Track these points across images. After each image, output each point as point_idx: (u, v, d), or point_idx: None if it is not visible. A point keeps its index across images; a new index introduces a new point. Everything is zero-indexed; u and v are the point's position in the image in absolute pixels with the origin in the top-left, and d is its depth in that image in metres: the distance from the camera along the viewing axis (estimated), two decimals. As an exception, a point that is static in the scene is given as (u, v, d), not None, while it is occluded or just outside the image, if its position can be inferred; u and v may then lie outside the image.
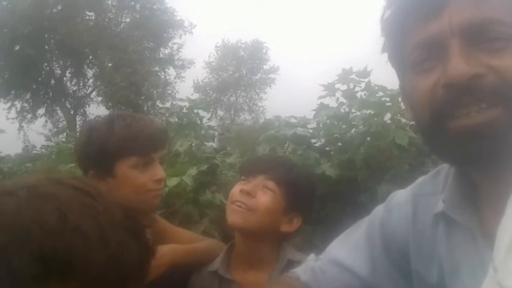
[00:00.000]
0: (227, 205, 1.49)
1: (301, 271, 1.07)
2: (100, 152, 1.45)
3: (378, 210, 1.04)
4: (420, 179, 1.00)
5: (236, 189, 1.47)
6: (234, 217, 1.43)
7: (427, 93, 0.78)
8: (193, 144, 2.85)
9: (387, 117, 2.32)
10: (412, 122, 2.20)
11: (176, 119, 3.22)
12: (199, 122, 3.19)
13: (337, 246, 1.08)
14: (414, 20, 0.79)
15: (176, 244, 1.58)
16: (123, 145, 1.45)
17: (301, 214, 1.49)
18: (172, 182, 2.08)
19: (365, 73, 2.42)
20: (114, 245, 0.71)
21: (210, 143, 3.11)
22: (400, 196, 1.00)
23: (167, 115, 3.25)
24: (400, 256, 0.96)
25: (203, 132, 3.11)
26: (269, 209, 1.43)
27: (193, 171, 2.15)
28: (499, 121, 0.72)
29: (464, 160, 0.79)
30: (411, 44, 0.80)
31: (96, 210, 0.73)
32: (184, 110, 3.18)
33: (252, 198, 1.42)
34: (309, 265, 1.09)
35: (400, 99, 2.27)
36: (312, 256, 1.13)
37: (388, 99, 2.29)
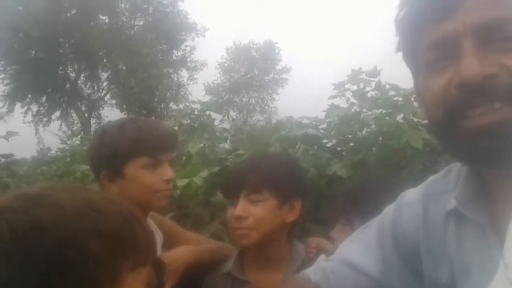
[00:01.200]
0: (229, 231, 1.51)
1: (311, 272, 1.07)
2: (112, 154, 1.51)
3: (389, 210, 1.04)
4: (431, 178, 1.00)
5: (229, 216, 1.47)
6: (242, 241, 1.45)
7: (440, 93, 0.78)
8: (206, 146, 2.86)
9: (400, 116, 2.30)
10: (425, 121, 2.19)
11: (189, 121, 3.24)
12: (211, 124, 3.20)
13: (348, 246, 1.08)
14: (428, 20, 0.79)
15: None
16: (133, 146, 1.51)
17: (297, 195, 1.50)
18: (182, 182, 2.09)
19: (375, 73, 2.41)
20: (145, 225, 0.78)
21: (222, 144, 3.12)
22: (411, 195, 1.00)
23: (179, 117, 3.27)
24: (411, 256, 0.96)
25: (217, 134, 3.12)
26: (267, 217, 1.43)
27: (204, 173, 2.16)
28: (509, 121, 0.72)
29: (476, 159, 0.79)
30: (425, 44, 0.81)
31: (116, 199, 0.79)
32: (196, 112, 3.20)
33: (246, 219, 1.42)
34: (319, 266, 1.09)
35: (413, 98, 2.27)
36: (322, 256, 1.13)
37: (401, 98, 2.27)
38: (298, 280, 1.08)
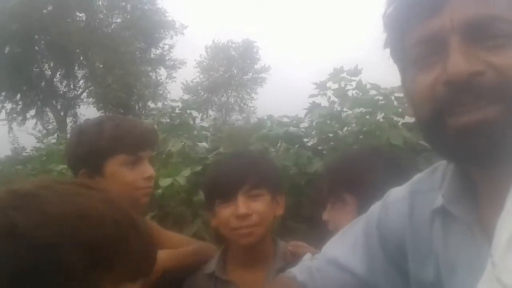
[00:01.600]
0: (226, 232, 1.46)
1: (297, 271, 1.07)
2: (91, 152, 1.50)
3: (375, 208, 1.04)
4: (417, 176, 1.00)
5: (229, 216, 1.42)
6: (247, 240, 1.42)
7: (427, 90, 0.78)
8: (186, 145, 2.84)
9: (380, 115, 2.32)
10: (405, 120, 2.20)
11: (168, 120, 3.21)
12: (192, 122, 3.19)
13: (334, 245, 1.08)
14: (416, 16, 0.79)
15: (167, 249, 1.59)
16: (112, 143, 1.50)
17: (281, 190, 1.53)
18: (165, 182, 2.07)
19: (356, 72, 2.42)
20: (144, 234, 0.76)
21: (203, 144, 3.10)
22: (397, 193, 1.00)
23: (159, 116, 3.24)
24: (398, 254, 0.96)
25: (195, 132, 3.11)
26: (267, 211, 1.45)
27: (186, 172, 2.14)
28: (499, 119, 0.72)
29: (463, 157, 0.79)
30: (413, 40, 0.80)
31: (118, 204, 0.76)
32: (177, 111, 3.18)
33: (251, 216, 1.41)
34: (305, 265, 1.08)
35: (393, 98, 2.29)
36: (308, 255, 1.13)
37: (381, 97, 2.29)
38: (285, 279, 1.07)
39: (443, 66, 0.75)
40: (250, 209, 1.41)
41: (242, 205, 1.41)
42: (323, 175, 1.65)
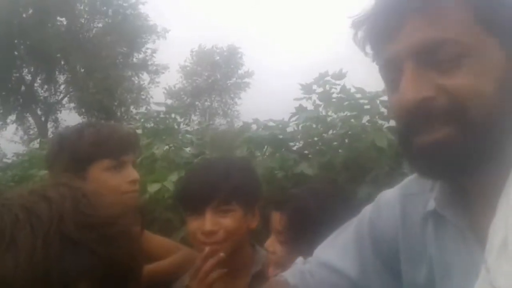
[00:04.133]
0: (194, 243, 1.43)
1: (289, 275, 1.06)
2: (72, 159, 1.49)
3: (367, 210, 1.04)
4: (408, 178, 1.01)
5: (195, 230, 1.39)
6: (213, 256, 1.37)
7: (395, 111, 0.82)
8: (171, 149, 2.81)
9: (365, 119, 2.33)
10: (390, 124, 2.20)
11: (152, 125, 3.19)
12: (176, 127, 3.16)
13: (326, 248, 1.08)
14: (378, 41, 0.82)
15: (154, 254, 1.58)
16: (93, 149, 1.50)
17: (257, 201, 1.48)
18: (153, 188, 2.05)
19: (340, 75, 2.43)
20: (41, 260, 0.67)
21: (188, 148, 3.08)
22: (389, 196, 1.01)
23: (142, 120, 3.21)
24: (390, 257, 0.96)
25: (180, 137, 3.08)
26: (237, 228, 1.40)
27: (173, 176, 2.12)
28: (451, 138, 0.75)
29: (426, 173, 0.83)
30: (380, 63, 0.84)
31: (40, 219, 0.70)
32: (162, 115, 3.15)
33: (217, 233, 1.37)
34: (297, 268, 1.08)
35: (378, 101, 2.30)
36: (300, 259, 1.12)
37: (366, 101, 2.30)
38: (276, 284, 1.06)
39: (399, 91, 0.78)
40: (218, 225, 1.36)
41: (208, 221, 1.36)
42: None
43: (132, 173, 1.54)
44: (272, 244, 1.40)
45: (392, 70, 0.80)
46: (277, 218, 1.40)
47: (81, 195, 0.76)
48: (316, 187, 1.53)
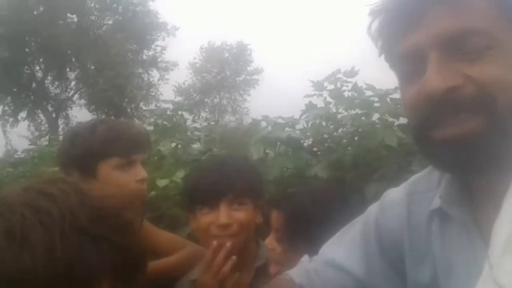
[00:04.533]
0: (204, 237, 1.43)
1: (295, 273, 1.06)
2: (83, 155, 1.50)
3: (372, 209, 1.04)
4: (414, 177, 1.00)
5: (209, 224, 1.39)
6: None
7: (412, 104, 0.80)
8: (179, 146, 2.82)
9: (375, 117, 2.31)
10: (400, 122, 2.18)
11: (163, 122, 3.19)
12: (184, 124, 3.17)
13: (331, 246, 1.08)
14: (397, 32, 0.80)
15: (160, 249, 1.61)
16: (105, 146, 1.51)
17: (262, 198, 1.50)
18: (162, 183, 2.06)
19: (352, 73, 2.41)
20: (62, 255, 0.68)
21: (196, 145, 3.09)
22: (394, 195, 1.00)
23: (155, 117, 3.22)
24: (396, 255, 0.96)
25: (188, 134, 3.09)
26: (249, 221, 1.42)
27: (180, 173, 2.13)
28: (479, 131, 0.73)
29: (448, 168, 0.81)
30: (397, 54, 0.82)
31: (51, 216, 0.70)
32: (169, 112, 3.16)
33: (231, 226, 1.39)
34: (303, 267, 1.08)
35: (388, 99, 2.29)
36: (306, 257, 1.12)
37: (376, 99, 2.28)
38: (282, 282, 1.06)
39: (422, 81, 0.76)
40: (232, 218, 1.38)
41: (224, 214, 1.38)
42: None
43: (141, 172, 1.55)
44: (271, 242, 1.43)
45: (411, 60, 0.79)
46: (275, 216, 1.43)
47: (80, 189, 0.77)
48: (315, 187, 1.55)
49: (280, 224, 1.40)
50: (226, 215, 1.38)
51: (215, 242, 1.33)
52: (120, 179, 1.51)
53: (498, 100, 0.72)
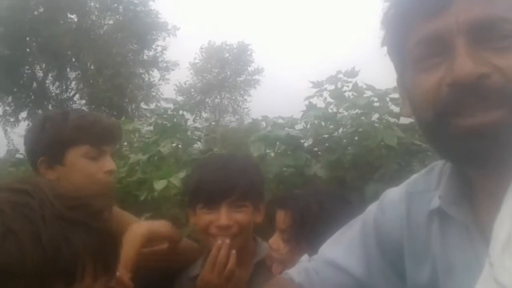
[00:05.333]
0: (203, 235, 1.46)
1: (294, 272, 1.07)
2: (53, 140, 1.49)
3: (372, 209, 1.04)
4: (413, 177, 1.00)
5: (208, 223, 1.41)
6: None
7: (430, 91, 0.77)
8: (179, 146, 2.81)
9: (375, 116, 2.31)
10: (400, 122, 2.18)
11: (163, 122, 3.19)
12: (184, 124, 3.17)
13: (331, 246, 1.08)
14: (420, 16, 0.78)
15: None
16: (76, 133, 1.50)
17: (263, 198, 1.52)
18: (160, 185, 2.06)
19: (353, 73, 2.41)
20: (48, 240, 0.71)
21: (196, 145, 3.09)
22: (394, 194, 1.00)
23: (155, 116, 3.21)
24: (395, 255, 0.96)
25: (189, 133, 3.09)
26: (249, 223, 1.44)
27: (181, 173, 2.13)
28: (503, 122, 0.71)
29: (465, 159, 0.79)
30: (415, 40, 0.79)
31: (30, 207, 0.74)
32: (170, 112, 3.15)
33: (231, 227, 1.40)
34: (302, 266, 1.08)
35: (388, 99, 2.29)
36: (305, 256, 1.12)
37: (376, 99, 2.28)
38: (282, 281, 1.07)
39: (448, 68, 0.74)
40: (232, 220, 1.39)
41: (224, 216, 1.39)
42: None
43: (109, 163, 1.54)
44: (276, 242, 1.43)
45: (433, 47, 0.77)
46: (281, 216, 1.43)
47: (50, 182, 0.84)
48: (321, 188, 1.55)
49: (287, 224, 1.40)
50: (227, 217, 1.39)
51: (219, 241, 1.34)
52: (87, 168, 1.49)
53: None
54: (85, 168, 1.49)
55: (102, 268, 0.77)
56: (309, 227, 1.34)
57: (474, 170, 0.82)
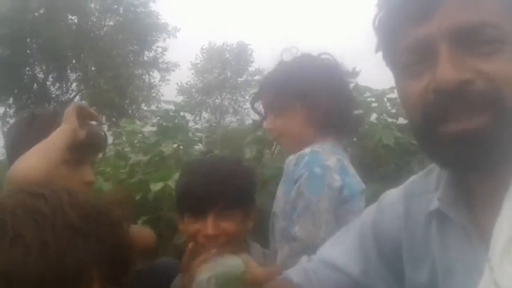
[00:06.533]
0: (191, 244, 1.36)
1: (293, 273, 1.06)
2: (39, 140, 1.38)
3: (370, 210, 1.04)
4: (412, 178, 1.00)
5: (196, 232, 1.35)
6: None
7: (418, 97, 0.78)
8: (180, 147, 2.81)
9: (373, 117, 2.32)
10: (399, 122, 2.18)
11: (165, 123, 3.18)
12: (185, 125, 3.16)
13: (330, 246, 1.08)
14: (405, 22, 0.78)
15: None
16: None
17: (254, 204, 1.47)
18: (156, 187, 2.03)
19: (353, 74, 2.41)
20: (54, 248, 0.71)
21: (197, 146, 3.08)
22: (392, 196, 1.00)
23: (157, 118, 3.20)
24: (393, 257, 0.96)
25: (190, 134, 3.08)
26: (238, 231, 1.38)
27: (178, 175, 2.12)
28: (488, 127, 0.72)
29: (453, 164, 0.79)
30: (402, 46, 0.80)
31: (42, 213, 0.73)
32: (171, 113, 3.14)
33: (218, 237, 1.34)
34: (301, 267, 1.08)
35: (385, 99, 2.29)
36: (304, 257, 1.12)
37: (373, 99, 2.29)
38: (280, 282, 1.07)
39: (432, 74, 0.75)
40: (219, 229, 1.34)
41: (211, 226, 1.33)
42: None
43: (89, 175, 1.49)
44: None
45: (419, 53, 0.77)
46: None
47: (70, 190, 0.80)
48: None
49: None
50: (213, 227, 1.33)
51: (213, 251, 1.26)
52: (66, 177, 1.39)
53: (507, 97, 0.71)
54: (64, 177, 1.38)
55: (111, 281, 0.76)
56: None
57: (463, 174, 0.82)
